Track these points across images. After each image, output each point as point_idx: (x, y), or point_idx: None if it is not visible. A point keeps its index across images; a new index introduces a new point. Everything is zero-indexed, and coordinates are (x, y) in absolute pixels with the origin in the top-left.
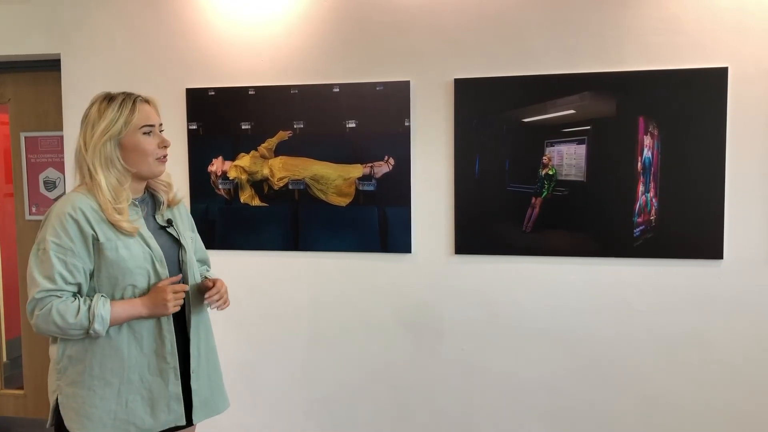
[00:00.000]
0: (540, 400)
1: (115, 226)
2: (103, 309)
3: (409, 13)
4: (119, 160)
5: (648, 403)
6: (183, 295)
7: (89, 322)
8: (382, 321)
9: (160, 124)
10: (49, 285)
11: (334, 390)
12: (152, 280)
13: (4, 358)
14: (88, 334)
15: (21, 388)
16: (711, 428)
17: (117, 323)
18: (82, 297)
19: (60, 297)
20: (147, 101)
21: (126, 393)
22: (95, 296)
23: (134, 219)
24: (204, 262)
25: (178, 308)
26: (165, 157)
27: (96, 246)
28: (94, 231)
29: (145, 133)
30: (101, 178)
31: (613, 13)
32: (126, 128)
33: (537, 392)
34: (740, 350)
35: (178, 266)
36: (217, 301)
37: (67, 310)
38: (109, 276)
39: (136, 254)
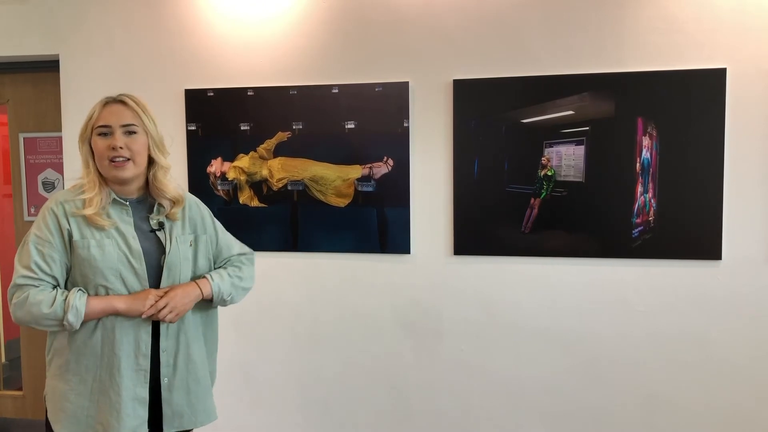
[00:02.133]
0: (539, 400)
1: (88, 219)
2: (79, 301)
3: (408, 14)
4: (92, 161)
5: (647, 402)
6: (162, 303)
7: (63, 312)
8: (382, 321)
9: (126, 125)
10: (26, 273)
11: (333, 390)
12: (128, 282)
13: (3, 359)
14: (62, 326)
15: (20, 389)
16: (711, 427)
17: (93, 317)
18: (60, 289)
19: (37, 287)
20: (122, 101)
21: (98, 392)
22: (73, 289)
23: (117, 216)
24: (232, 263)
25: (153, 311)
26: (120, 161)
27: (71, 243)
28: (70, 227)
29: (99, 134)
30: (84, 175)
31: (612, 14)
32: (88, 130)
33: (536, 392)
34: (739, 350)
35: (160, 269)
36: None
37: (43, 300)
38: (82, 274)
39: (109, 254)
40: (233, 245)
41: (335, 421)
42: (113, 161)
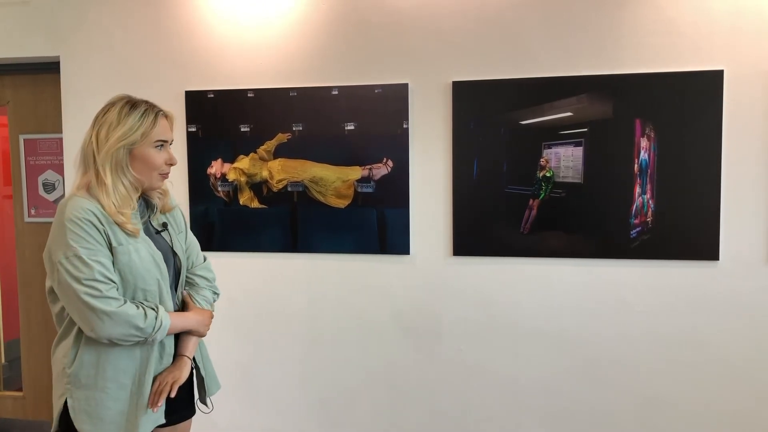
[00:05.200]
0: (538, 400)
1: (120, 227)
2: (167, 320)
3: (408, 16)
4: (128, 167)
5: (645, 402)
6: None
7: (153, 330)
8: (381, 322)
9: (171, 141)
10: (100, 286)
11: (332, 391)
12: (160, 283)
13: (3, 360)
14: (144, 341)
15: (20, 389)
16: (709, 428)
17: (170, 333)
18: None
19: (119, 299)
20: (165, 116)
21: (137, 393)
22: (159, 307)
23: (135, 222)
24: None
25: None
26: (167, 174)
27: (110, 249)
28: (108, 235)
29: (156, 147)
30: (109, 181)
31: (610, 16)
32: (143, 139)
33: (535, 392)
34: (736, 350)
35: (174, 270)
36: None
37: (137, 315)
38: (123, 280)
39: (145, 257)
40: (198, 249)
41: (335, 420)
42: (163, 174)
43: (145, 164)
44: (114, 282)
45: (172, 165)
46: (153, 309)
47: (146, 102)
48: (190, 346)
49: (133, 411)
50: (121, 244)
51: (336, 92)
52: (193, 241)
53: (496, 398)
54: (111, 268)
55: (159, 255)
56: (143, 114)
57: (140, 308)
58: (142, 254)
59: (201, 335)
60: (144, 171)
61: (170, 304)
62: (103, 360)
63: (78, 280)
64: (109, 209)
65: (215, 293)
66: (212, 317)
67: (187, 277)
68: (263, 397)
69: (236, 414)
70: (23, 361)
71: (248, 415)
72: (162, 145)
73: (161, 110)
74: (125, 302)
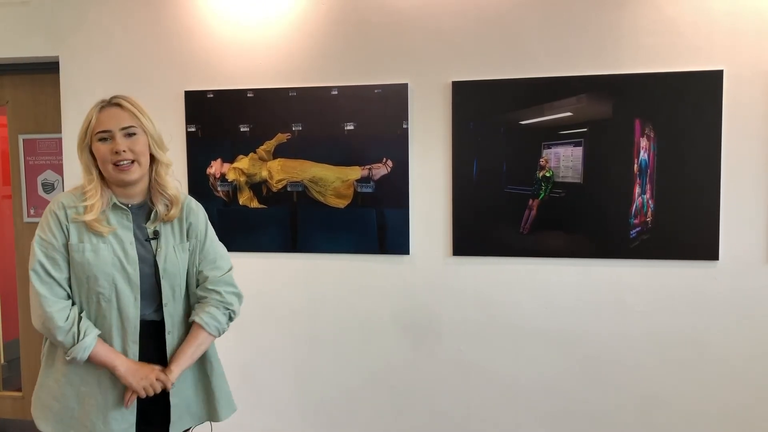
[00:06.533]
0: (537, 400)
1: (87, 225)
2: (82, 353)
3: (407, 16)
4: (93, 166)
5: (645, 402)
6: (159, 387)
7: (67, 350)
8: (380, 322)
9: (126, 128)
10: (33, 276)
11: (332, 391)
12: (119, 287)
13: (2, 360)
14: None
15: (19, 389)
16: (708, 427)
17: (92, 362)
18: (70, 297)
19: (48, 297)
20: (117, 104)
21: (84, 395)
22: (92, 330)
23: (117, 221)
24: (213, 280)
25: (143, 395)
26: (125, 164)
27: (67, 246)
28: (68, 230)
29: (100, 140)
30: (84, 182)
31: (610, 16)
32: (88, 135)
33: (535, 392)
34: (736, 350)
35: (154, 278)
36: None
37: (59, 329)
38: (77, 278)
39: (104, 259)
40: (215, 263)
41: (334, 421)
42: (118, 165)
43: (99, 159)
44: (54, 279)
45: (117, 153)
46: (81, 334)
47: (106, 98)
48: (179, 364)
49: (87, 417)
50: (82, 241)
51: (335, 92)
52: (209, 254)
53: (496, 398)
54: (58, 262)
55: (133, 258)
56: (90, 111)
57: (68, 322)
58: (102, 254)
59: (131, 387)
60: (102, 165)
61: (133, 312)
62: (61, 352)
63: (30, 266)
64: (87, 207)
65: (228, 309)
66: (156, 377)
67: (199, 292)
68: (263, 397)
69: (236, 414)
70: (22, 361)
71: (248, 415)
72: (105, 137)
73: (106, 101)
74: (64, 308)
